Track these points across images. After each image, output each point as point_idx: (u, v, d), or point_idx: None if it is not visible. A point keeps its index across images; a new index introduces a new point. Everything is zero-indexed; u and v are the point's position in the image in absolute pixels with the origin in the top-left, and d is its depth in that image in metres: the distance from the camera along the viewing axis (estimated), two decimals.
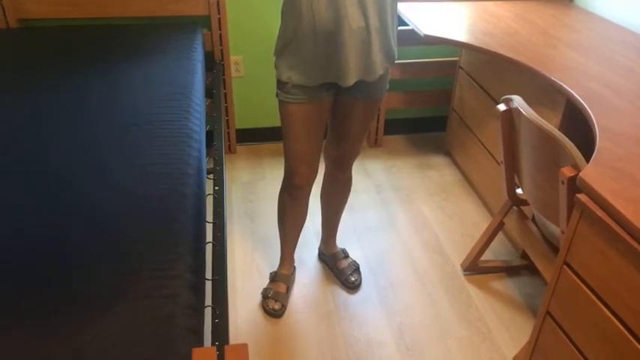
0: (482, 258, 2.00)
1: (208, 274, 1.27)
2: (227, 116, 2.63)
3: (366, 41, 1.40)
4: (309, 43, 1.39)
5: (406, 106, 2.80)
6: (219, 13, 2.36)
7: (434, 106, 2.86)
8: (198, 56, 2.08)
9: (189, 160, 1.41)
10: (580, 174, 1.22)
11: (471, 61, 2.44)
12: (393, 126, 2.87)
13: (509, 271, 2.03)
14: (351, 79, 1.43)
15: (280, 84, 1.49)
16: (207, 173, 1.68)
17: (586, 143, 1.45)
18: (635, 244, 1.07)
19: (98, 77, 1.85)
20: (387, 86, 1.61)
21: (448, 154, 2.75)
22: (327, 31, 1.36)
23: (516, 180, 1.75)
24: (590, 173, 1.21)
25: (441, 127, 2.85)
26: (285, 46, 1.43)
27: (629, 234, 1.08)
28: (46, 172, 1.33)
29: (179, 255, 1.10)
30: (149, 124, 1.56)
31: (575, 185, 1.24)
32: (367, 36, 1.39)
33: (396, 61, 2.59)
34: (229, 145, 2.71)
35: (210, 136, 1.86)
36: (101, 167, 1.36)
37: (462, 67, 2.53)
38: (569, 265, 1.31)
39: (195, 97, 1.76)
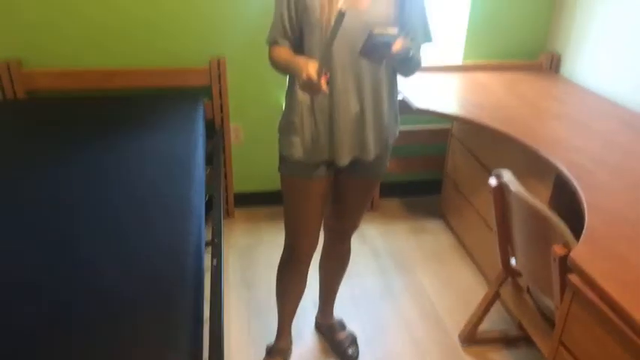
0: (480, 327, 1.99)
1: (205, 350, 1.27)
2: (225, 180, 2.68)
3: (359, 124, 1.46)
4: (308, 125, 1.46)
5: (401, 171, 2.87)
6: (220, 83, 2.45)
7: (428, 170, 2.92)
8: (199, 127, 2.15)
9: (189, 237, 1.43)
10: (571, 254, 1.25)
11: (463, 129, 2.52)
12: (389, 189, 2.92)
13: (507, 342, 2.02)
14: (345, 159, 1.49)
15: (282, 159, 1.55)
16: (206, 245, 1.70)
17: (577, 213, 1.48)
18: (627, 329, 1.08)
19: (102, 149, 1.90)
20: (386, 167, 1.66)
21: (443, 217, 2.79)
22: (325, 114, 1.44)
23: (511, 250, 1.77)
24: (581, 253, 1.24)
25: (436, 190, 2.90)
26: (288, 125, 1.50)
27: (621, 319, 1.10)
28: (49, 239, 1.38)
29: (177, 332, 1.11)
30: (151, 197, 1.60)
31: (566, 263, 1.27)
32: (361, 119, 1.46)
33: None
34: (227, 209, 2.74)
35: (209, 202, 1.89)
36: (102, 240, 1.39)
37: (454, 135, 2.61)
38: (564, 345, 1.31)
39: (196, 169, 1.81)
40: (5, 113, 2.23)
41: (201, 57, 2.40)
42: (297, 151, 1.49)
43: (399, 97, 2.38)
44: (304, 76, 1.26)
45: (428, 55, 2.59)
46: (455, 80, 2.51)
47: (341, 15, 1.19)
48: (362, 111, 1.45)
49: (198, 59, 2.41)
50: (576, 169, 1.65)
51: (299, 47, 1.45)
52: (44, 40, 2.28)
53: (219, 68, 2.41)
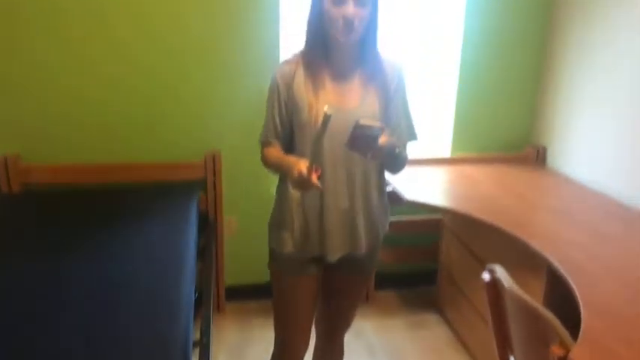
0: None
1: None
2: (217, 273, 2.64)
3: (350, 221, 1.48)
4: (298, 221, 1.47)
5: (394, 262, 2.84)
6: (215, 177, 2.50)
7: (422, 261, 2.90)
8: (192, 222, 2.16)
9: (175, 340, 1.39)
10: (570, 355, 1.21)
11: (454, 220, 2.54)
12: (384, 280, 2.87)
13: None
14: (335, 255, 1.49)
15: (272, 254, 1.54)
16: (193, 345, 1.64)
17: (572, 305, 1.45)
18: None
19: (94, 244, 1.89)
20: (377, 262, 1.66)
21: (440, 311, 2.72)
22: (315, 210, 1.45)
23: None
24: (580, 354, 1.20)
25: (432, 281, 2.85)
26: (278, 220, 1.51)
27: None
28: (31, 334, 1.31)
29: None
30: (140, 296, 1.57)
31: None
32: (352, 216, 1.48)
33: None
34: (217, 303, 2.67)
35: (199, 298, 1.85)
36: (84, 337, 1.35)
37: (446, 226, 2.62)
38: None
39: (186, 266, 1.80)
40: (0, 207, 2.24)
41: (197, 151, 2.47)
42: (287, 246, 1.49)
43: (389, 189, 2.43)
44: (295, 173, 1.30)
45: (417, 148, 2.70)
46: (443, 173, 2.57)
47: (327, 117, 1.25)
48: (352, 206, 1.48)
49: (194, 153, 2.47)
50: (569, 264, 1.64)
51: (290, 145, 1.50)
52: (42, 135, 2.35)
53: (214, 162, 2.47)
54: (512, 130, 2.77)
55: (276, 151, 1.49)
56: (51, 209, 2.23)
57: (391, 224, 2.71)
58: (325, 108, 1.26)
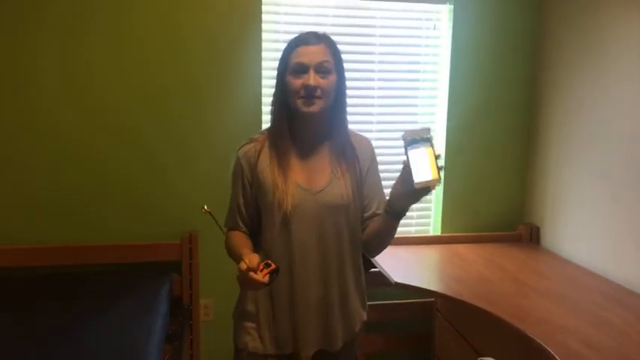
0: None
1: None
2: None
3: (324, 309, 1.34)
4: (265, 311, 1.33)
5: (386, 349, 2.63)
6: (191, 259, 2.36)
7: (416, 349, 2.69)
8: (161, 307, 2.00)
9: None
10: None
11: (447, 304, 2.38)
12: None
13: None
14: (309, 350, 1.33)
15: (237, 351, 1.38)
16: None
17: None
18: None
19: (51, 332, 1.76)
20: (354, 358, 1.49)
21: None
22: (284, 300, 1.32)
23: None
24: None
25: None
26: (241, 312, 1.37)
27: None
28: None
29: None
30: None
31: None
32: (326, 304, 1.34)
33: (372, 302, 2.54)
34: None
35: None
36: None
37: (439, 310, 2.46)
38: None
39: (147, 354, 1.63)
40: None
41: (173, 231, 2.35)
42: (254, 343, 1.33)
43: (375, 269, 2.30)
44: (241, 266, 1.20)
45: (402, 226, 2.59)
46: (433, 252, 2.45)
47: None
48: (326, 294, 1.34)
49: (170, 234, 2.35)
50: (569, 355, 1.49)
51: (258, 230, 1.40)
52: (4, 216, 2.24)
53: (190, 243, 2.34)
54: (504, 208, 2.68)
55: (238, 238, 1.39)
56: (14, 293, 2.08)
57: (378, 308, 2.56)
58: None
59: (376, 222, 1.41)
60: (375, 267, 2.29)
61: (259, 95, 2.37)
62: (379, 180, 1.49)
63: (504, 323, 1.73)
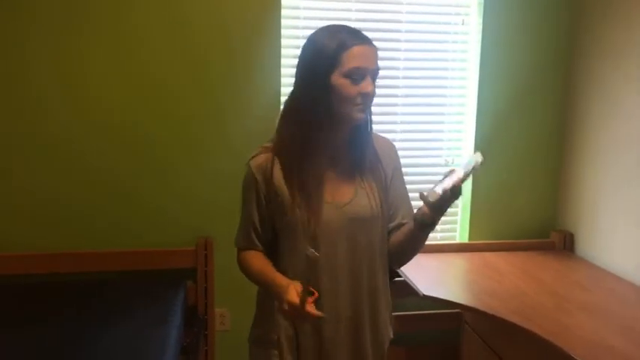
0: None
1: None
2: None
3: (354, 333, 1.22)
4: (287, 334, 1.21)
5: None
6: (206, 266, 2.25)
7: None
8: (175, 318, 1.89)
9: None
10: None
11: (478, 318, 2.24)
12: None
13: None
14: None
15: None
16: None
17: None
18: None
19: (61, 342, 1.68)
20: None
21: None
22: (309, 323, 1.19)
23: None
24: None
25: None
26: (259, 337, 1.26)
27: None
28: None
29: None
30: None
31: None
32: (356, 327, 1.22)
33: (396, 313, 2.41)
34: None
35: None
36: None
37: (467, 323, 2.32)
38: None
39: None
40: None
41: (187, 237, 2.24)
42: None
43: (400, 279, 2.17)
44: (285, 304, 1.08)
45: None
46: (460, 261, 2.31)
47: (313, 260, 1.08)
48: (357, 315, 1.23)
49: (184, 240, 2.24)
50: None
51: (272, 250, 1.28)
52: (13, 222, 2.15)
53: (206, 249, 2.23)
54: (536, 214, 2.52)
55: (258, 260, 1.26)
56: (25, 301, 2.00)
57: (402, 319, 2.43)
58: (308, 252, 1.07)
59: (402, 233, 1.30)
60: (400, 276, 2.16)
61: (278, 93, 2.24)
62: (404, 187, 1.37)
63: (544, 342, 1.59)
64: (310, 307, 1.07)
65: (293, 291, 1.08)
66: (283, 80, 2.24)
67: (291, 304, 1.07)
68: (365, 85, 1.16)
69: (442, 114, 2.46)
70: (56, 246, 2.17)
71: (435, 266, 2.23)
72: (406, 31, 2.35)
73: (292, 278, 1.17)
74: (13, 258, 2.12)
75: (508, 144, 2.45)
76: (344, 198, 1.22)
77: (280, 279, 1.17)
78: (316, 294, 1.10)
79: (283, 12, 2.21)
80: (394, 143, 1.40)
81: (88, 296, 2.05)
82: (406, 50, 2.37)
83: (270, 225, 1.26)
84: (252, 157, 1.27)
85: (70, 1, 2.07)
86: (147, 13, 2.12)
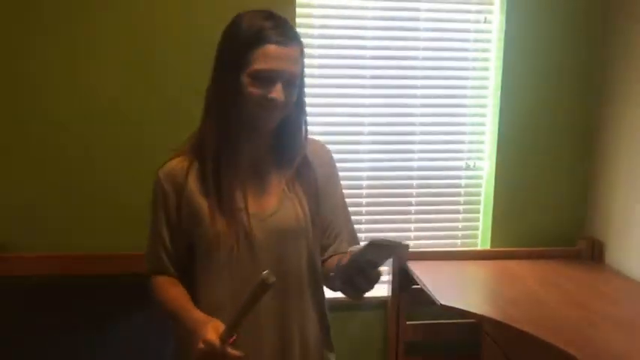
0: None
1: None
2: None
3: None
4: None
5: None
6: None
7: None
8: None
9: None
10: None
11: (499, 329, 2.13)
12: None
13: None
14: None
15: None
16: None
17: None
18: None
19: (74, 343, 1.73)
20: None
21: None
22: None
23: None
24: None
25: None
26: None
27: None
28: None
29: None
30: None
31: None
32: (285, 355, 1.11)
33: (413, 322, 2.33)
34: None
35: None
36: None
37: (487, 333, 2.21)
38: None
39: None
40: None
41: None
42: None
43: (416, 286, 2.09)
44: (202, 344, 0.94)
45: (448, 239, 2.37)
46: (481, 269, 2.21)
47: (266, 287, 0.90)
48: (285, 346, 1.11)
49: None
50: None
51: (185, 273, 1.14)
52: (33, 221, 2.13)
53: None
54: (561, 220, 2.40)
55: (171, 287, 1.11)
56: (38, 302, 2.01)
57: (418, 328, 2.33)
58: (264, 273, 0.91)
59: (338, 265, 1.06)
60: (417, 284, 2.08)
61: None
62: (342, 198, 1.23)
63: (568, 357, 1.49)
64: (230, 350, 0.93)
65: (211, 329, 0.94)
66: None
67: (208, 344, 0.93)
68: (270, 90, 1.02)
69: (462, 115, 2.37)
70: (72, 247, 2.15)
71: (455, 274, 2.14)
72: (425, 29, 2.27)
73: (208, 305, 1.05)
74: (32, 258, 2.11)
75: (532, 146, 2.34)
76: (268, 208, 1.10)
77: (197, 314, 1.02)
78: (234, 336, 0.96)
79: (298, 10, 2.15)
80: (329, 148, 1.24)
81: (102, 299, 2.02)
82: (425, 49, 2.28)
83: (184, 244, 1.12)
84: (164, 164, 1.13)
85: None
86: (164, 15, 2.08)
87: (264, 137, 1.13)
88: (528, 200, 2.37)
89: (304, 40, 2.11)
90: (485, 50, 2.32)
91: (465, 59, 2.32)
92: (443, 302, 1.85)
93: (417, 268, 2.12)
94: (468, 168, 2.38)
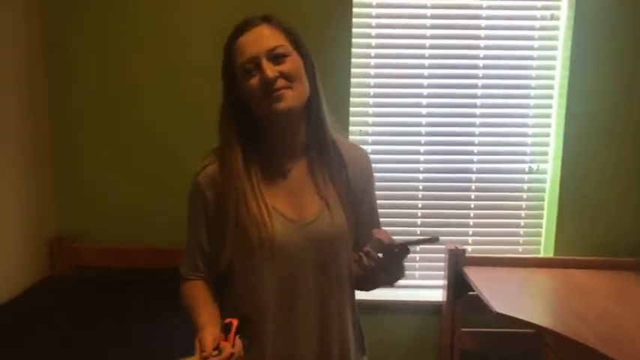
0: None
1: None
2: None
3: None
4: None
5: None
6: None
7: None
8: None
9: None
10: None
11: (561, 343, 2.02)
12: None
13: None
14: None
15: None
16: None
17: None
18: None
19: (142, 331, 1.75)
20: None
21: None
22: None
23: None
24: None
25: None
26: None
27: None
28: None
29: None
30: None
31: None
32: None
33: (469, 329, 2.25)
34: None
35: None
36: None
37: (549, 346, 2.11)
38: None
39: None
40: (52, 288, 2.13)
41: None
42: None
43: (472, 293, 2.02)
44: (196, 343, 0.97)
45: (509, 245, 2.27)
46: (543, 278, 2.11)
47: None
48: (323, 356, 1.10)
49: None
50: None
51: (225, 287, 1.14)
52: (105, 214, 2.25)
53: None
54: (632, 228, 2.24)
55: (196, 290, 1.12)
56: (102, 291, 2.10)
57: (474, 336, 2.25)
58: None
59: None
60: (473, 290, 2.01)
61: (347, 99, 2.18)
62: (376, 203, 1.21)
63: None
64: (227, 347, 0.94)
65: (208, 332, 0.97)
66: (353, 80, 2.18)
67: (200, 343, 0.96)
68: (261, 72, 1.01)
69: (525, 116, 2.27)
70: (140, 241, 2.24)
71: (514, 281, 2.05)
72: (486, 27, 2.19)
73: (247, 306, 1.07)
74: (99, 250, 2.23)
75: (601, 149, 2.20)
76: (308, 215, 1.07)
77: (202, 318, 1.03)
78: (235, 322, 0.97)
79: (355, 10, 2.14)
80: (368, 153, 1.23)
81: (164, 290, 2.08)
82: (486, 48, 2.20)
83: (221, 248, 1.09)
84: (204, 167, 1.11)
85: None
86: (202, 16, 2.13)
87: (291, 135, 1.11)
88: (596, 207, 2.23)
89: (361, 41, 2.16)
90: (551, 49, 2.21)
91: (530, 58, 2.22)
92: (498, 310, 1.78)
93: (473, 274, 2.06)
94: (531, 171, 2.28)
